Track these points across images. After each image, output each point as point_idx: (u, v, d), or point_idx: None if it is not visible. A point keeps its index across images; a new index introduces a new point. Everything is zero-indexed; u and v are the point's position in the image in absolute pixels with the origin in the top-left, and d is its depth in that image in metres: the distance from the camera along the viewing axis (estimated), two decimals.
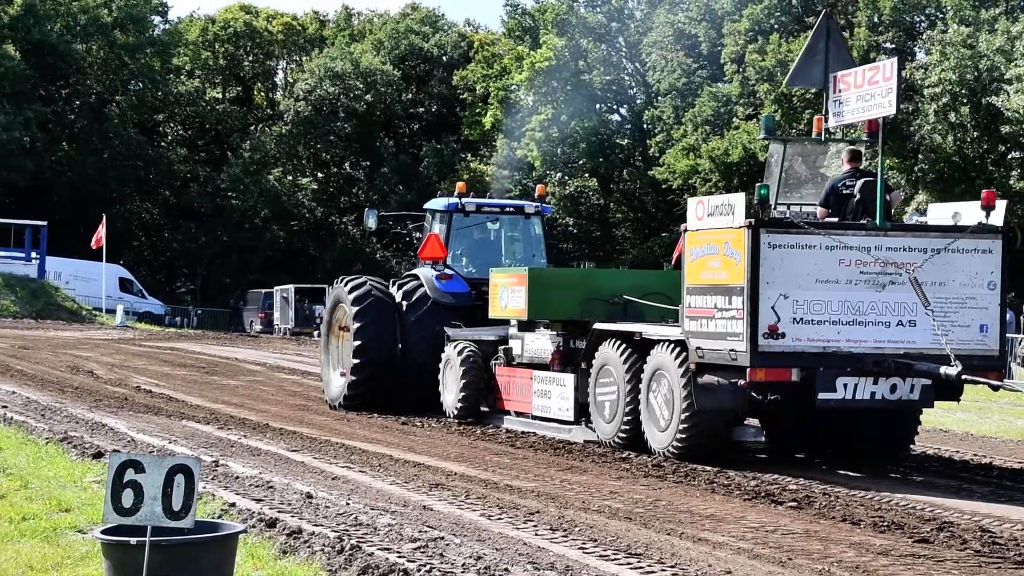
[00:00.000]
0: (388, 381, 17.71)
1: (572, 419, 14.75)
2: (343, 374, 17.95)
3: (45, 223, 48.91)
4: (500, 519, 9.26)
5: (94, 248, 47.39)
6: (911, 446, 13.51)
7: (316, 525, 8.70)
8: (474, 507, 9.72)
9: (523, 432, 14.88)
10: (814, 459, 13.56)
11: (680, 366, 12.75)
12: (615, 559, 8.01)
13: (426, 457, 12.70)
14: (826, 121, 13.10)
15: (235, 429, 14.72)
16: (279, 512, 9.16)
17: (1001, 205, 12.56)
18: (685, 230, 12.77)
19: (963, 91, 36.74)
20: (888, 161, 39.04)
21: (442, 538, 8.32)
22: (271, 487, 10.28)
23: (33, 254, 49.19)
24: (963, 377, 11.84)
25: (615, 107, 59.61)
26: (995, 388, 12.47)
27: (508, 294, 16.02)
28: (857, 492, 11.10)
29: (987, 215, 12.41)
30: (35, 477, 10.46)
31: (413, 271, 18.59)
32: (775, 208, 13.53)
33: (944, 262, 12.37)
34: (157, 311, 54.09)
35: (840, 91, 12.72)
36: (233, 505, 9.31)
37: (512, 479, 11.32)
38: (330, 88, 63.84)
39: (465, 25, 71.34)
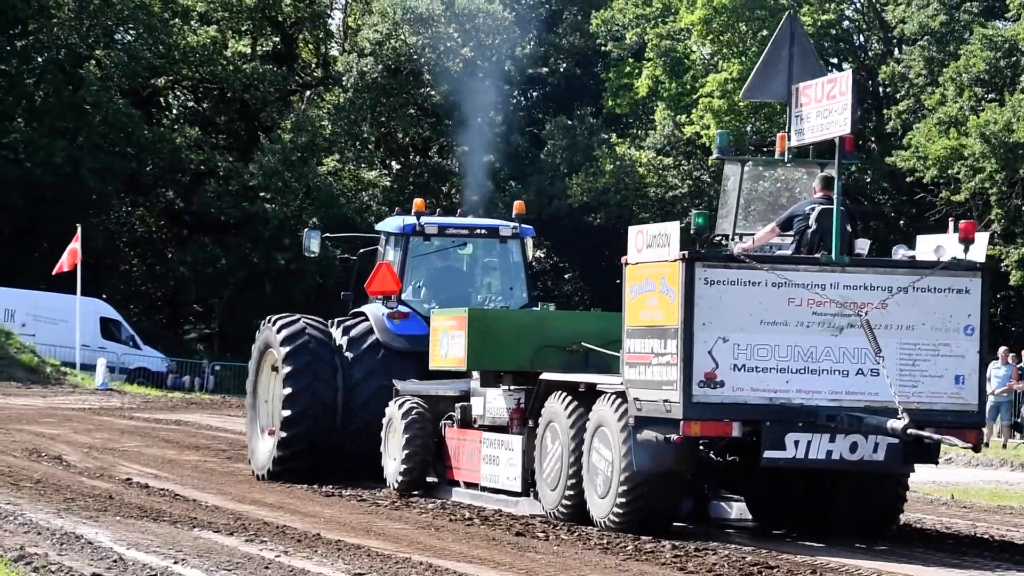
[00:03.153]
0: (327, 444, 20.80)
1: (519, 489, 17.86)
2: (271, 432, 21.15)
3: None
4: None
5: (58, 272, 48.31)
6: (896, 518, 16.79)
7: None
8: None
9: (693, 549, 15.03)
10: (791, 534, 16.65)
11: (620, 420, 15.75)
12: None
13: None
14: (789, 139, 16.25)
15: (272, 541, 14.98)
16: None
17: (982, 239, 15.55)
18: (625, 263, 15.86)
19: None
20: None
21: None
22: None
23: None
24: (909, 432, 14.71)
25: (835, 60, 59.19)
26: (976, 449, 15.76)
27: (448, 340, 19.05)
28: None
29: (965, 249, 15.37)
30: None
31: (360, 309, 21.45)
32: (737, 239, 16.71)
33: (912, 303, 15.26)
34: (156, 367, 55.04)
35: (801, 105, 15.83)
36: None
37: None
38: (410, 38, 64.58)
39: None
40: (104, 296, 57.67)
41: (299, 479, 20.57)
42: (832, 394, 15.21)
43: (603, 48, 63.43)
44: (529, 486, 17.76)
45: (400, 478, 19.50)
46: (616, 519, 15.97)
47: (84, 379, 47.46)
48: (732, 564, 14.15)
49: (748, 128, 56.43)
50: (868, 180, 57.24)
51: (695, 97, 56.50)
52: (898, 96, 53.09)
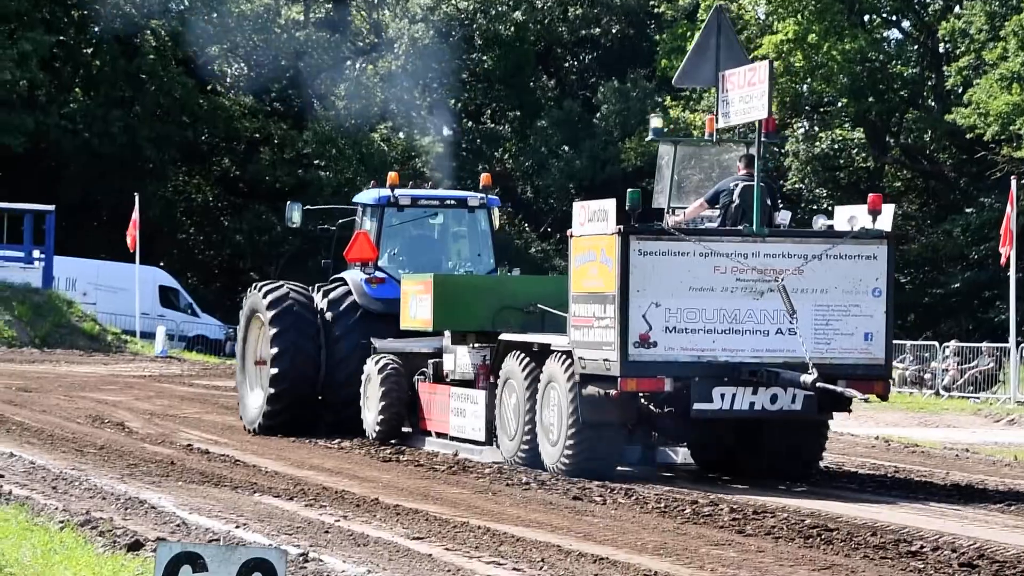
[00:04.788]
0: (311, 400, 22.67)
1: (483, 439, 19.66)
2: (259, 363, 22.86)
3: (52, 207, 50.39)
4: None
5: (133, 246, 48.53)
6: (818, 461, 18.56)
7: None
8: None
9: (751, 511, 15.06)
10: (723, 476, 18.47)
11: (567, 377, 17.69)
12: None
13: (610, 548, 12.95)
14: (717, 121, 18.09)
15: (331, 506, 15.14)
16: None
17: (888, 209, 17.34)
18: (571, 235, 17.85)
19: None
20: None
21: None
22: None
23: (35, 253, 50.72)
24: (817, 385, 16.53)
25: (893, 18, 58.86)
26: (882, 398, 17.79)
27: (416, 303, 20.98)
28: None
29: (873, 219, 17.22)
30: None
31: (340, 275, 23.28)
32: (672, 213, 18.64)
33: (826, 268, 17.14)
34: (214, 334, 55.39)
35: (727, 91, 17.64)
36: None
37: None
38: (461, 3, 64.59)
39: None
40: (162, 264, 58.06)
41: (286, 432, 22.29)
42: (754, 352, 17.09)
43: (656, 9, 63.20)
44: (492, 436, 19.54)
45: (377, 428, 21.34)
46: (564, 464, 17.77)
47: (144, 347, 47.87)
48: (791, 527, 14.23)
49: (804, 88, 56.14)
50: (928, 138, 56.85)
51: (750, 59, 56.22)
52: (958, 52, 52.70)
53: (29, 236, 50.66)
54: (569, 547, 12.82)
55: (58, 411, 26.10)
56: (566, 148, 62.98)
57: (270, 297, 22.85)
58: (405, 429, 21.61)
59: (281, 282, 23.50)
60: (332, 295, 22.93)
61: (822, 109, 57.87)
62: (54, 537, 12.38)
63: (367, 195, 23.96)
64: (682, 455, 19.50)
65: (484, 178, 24.50)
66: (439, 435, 20.98)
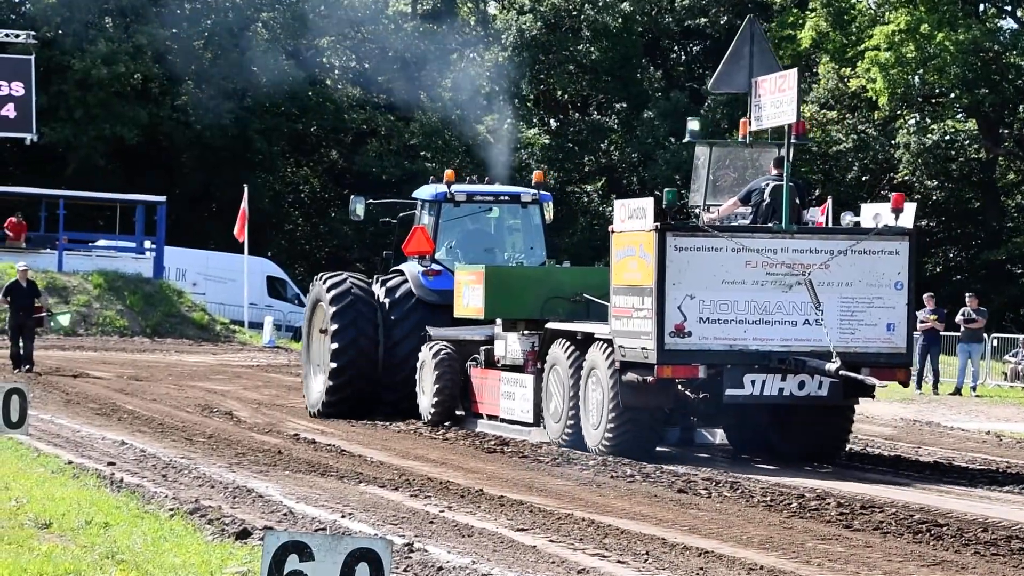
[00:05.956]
0: (370, 385, 23.77)
1: (531, 421, 20.91)
2: (325, 353, 23.83)
3: (163, 198, 50.93)
4: None
5: (241, 238, 48.96)
6: (843, 446, 19.67)
7: None
8: None
9: (859, 506, 14.97)
10: (754, 458, 19.39)
11: (608, 364, 18.85)
12: None
13: (716, 541, 12.95)
14: (750, 125, 19.06)
15: (436, 496, 15.21)
16: None
17: (910, 208, 18.56)
18: (612, 231, 19.02)
19: None
20: None
21: None
22: None
23: (147, 243, 51.29)
24: (840, 373, 17.74)
25: (1008, 7, 58.14)
26: (904, 385, 19.14)
27: (469, 292, 22.05)
28: None
29: (896, 217, 18.37)
30: (155, 566, 10.80)
31: (398, 267, 24.40)
32: (707, 210, 19.61)
33: (851, 263, 18.27)
34: None
35: (760, 96, 18.65)
36: None
37: None
38: None
39: None
40: (270, 255, 58.50)
41: (346, 415, 23.45)
42: (783, 341, 18.20)
43: None
44: (540, 418, 20.67)
45: (432, 411, 22.49)
46: (606, 446, 18.91)
47: (252, 337, 48.25)
48: (900, 522, 14.13)
49: (916, 79, 55.68)
50: None
51: (860, 49, 55.81)
52: None
53: (141, 227, 51.26)
54: (674, 540, 12.83)
55: (168, 400, 26.43)
56: (672, 140, 62.79)
57: (330, 283, 23.98)
58: (458, 412, 22.67)
59: (343, 273, 24.62)
60: (390, 286, 23.94)
61: (934, 100, 57.31)
62: (164, 525, 12.54)
63: (425, 191, 24.91)
64: (719, 436, 20.72)
65: (537, 175, 25.50)
66: (490, 417, 22.05)
